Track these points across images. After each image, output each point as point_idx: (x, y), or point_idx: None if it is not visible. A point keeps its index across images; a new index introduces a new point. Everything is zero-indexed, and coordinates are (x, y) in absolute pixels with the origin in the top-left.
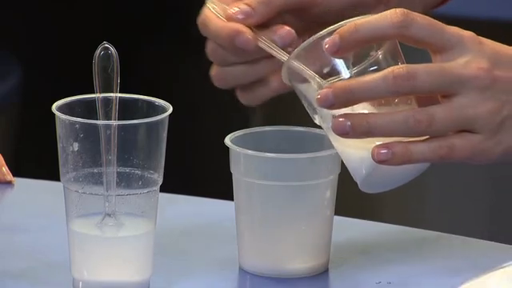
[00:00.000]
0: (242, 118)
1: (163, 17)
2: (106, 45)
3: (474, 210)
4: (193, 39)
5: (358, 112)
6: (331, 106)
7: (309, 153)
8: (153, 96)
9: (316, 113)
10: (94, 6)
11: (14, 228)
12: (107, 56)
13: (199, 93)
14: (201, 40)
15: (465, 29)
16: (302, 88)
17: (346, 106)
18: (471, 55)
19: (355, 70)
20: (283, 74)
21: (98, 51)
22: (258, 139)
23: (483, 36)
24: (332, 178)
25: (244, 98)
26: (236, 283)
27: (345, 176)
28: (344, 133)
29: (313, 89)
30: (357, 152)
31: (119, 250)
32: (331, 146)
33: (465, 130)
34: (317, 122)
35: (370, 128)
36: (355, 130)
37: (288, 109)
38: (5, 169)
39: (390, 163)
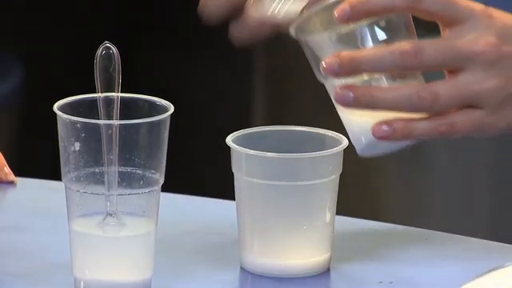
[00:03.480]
0: (243, 117)
1: (164, 16)
2: (108, 44)
3: (475, 209)
4: (194, 39)
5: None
6: (336, 75)
7: (310, 152)
8: (154, 96)
9: (323, 76)
10: (95, 6)
11: (15, 228)
12: (109, 55)
13: (200, 92)
14: (202, 40)
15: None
16: (313, 45)
17: (350, 76)
18: (480, 30)
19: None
20: (293, 27)
21: (99, 51)
22: (259, 139)
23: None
24: (333, 177)
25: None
26: (237, 283)
27: (346, 176)
28: (346, 103)
29: (324, 49)
30: (358, 121)
31: (121, 250)
32: (333, 146)
33: (468, 105)
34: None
35: (374, 101)
36: (358, 101)
37: (289, 109)
38: (6, 169)
39: (389, 139)
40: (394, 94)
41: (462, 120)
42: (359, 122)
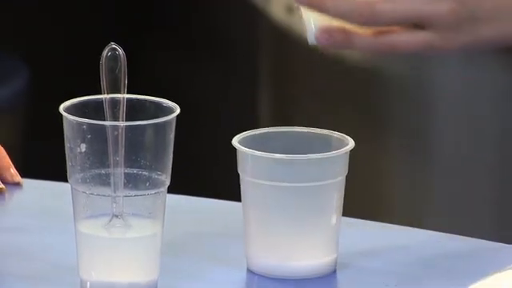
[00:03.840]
0: (249, 118)
1: (171, 18)
2: (114, 45)
3: (481, 211)
4: (200, 41)
5: None
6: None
7: (316, 154)
8: (160, 97)
9: None
10: (101, 8)
11: (21, 229)
12: (114, 57)
13: (207, 94)
14: (208, 42)
15: None
16: None
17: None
18: None
19: None
20: None
21: (105, 52)
22: (265, 140)
23: None
24: (340, 178)
25: None
26: (244, 284)
27: (352, 177)
28: (301, 2)
29: None
30: (311, 20)
31: (127, 251)
32: (339, 147)
33: (417, 25)
34: None
35: (323, 9)
36: (311, 3)
37: (295, 110)
38: (13, 170)
39: (330, 47)
40: (339, 6)
41: (405, 40)
42: (311, 21)
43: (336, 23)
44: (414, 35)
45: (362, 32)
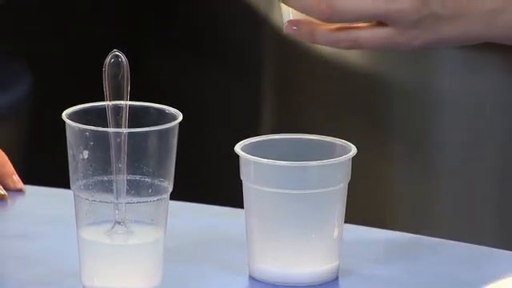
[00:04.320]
0: (251, 125)
1: (174, 24)
2: (117, 52)
3: (485, 218)
4: (203, 47)
5: None
6: None
7: (319, 161)
8: (163, 103)
9: None
10: (104, 14)
11: (24, 236)
12: (117, 63)
13: (210, 100)
14: (211, 48)
15: None
16: None
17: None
18: None
19: None
20: None
21: (108, 59)
22: (267, 147)
23: None
24: (342, 185)
25: None
26: None
27: (355, 184)
28: None
29: None
30: (289, 10)
31: (129, 258)
32: (341, 154)
33: (379, 21)
34: None
35: (289, 2)
36: None
37: (298, 117)
38: (15, 176)
39: (297, 38)
40: (301, 1)
41: (366, 36)
42: (286, 12)
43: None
44: (376, 31)
45: (325, 27)
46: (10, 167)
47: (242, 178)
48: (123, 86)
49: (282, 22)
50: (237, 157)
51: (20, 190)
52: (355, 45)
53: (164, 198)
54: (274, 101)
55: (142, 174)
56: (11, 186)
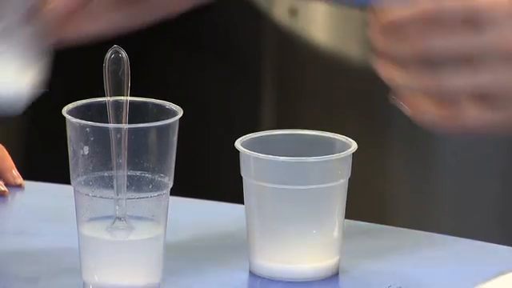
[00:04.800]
0: (252, 121)
1: (173, 20)
2: (117, 48)
3: (485, 213)
4: (203, 43)
5: None
6: None
7: (319, 156)
8: (163, 99)
9: None
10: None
11: (24, 231)
12: (118, 59)
13: (209, 96)
14: (211, 44)
15: None
16: None
17: None
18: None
19: None
20: None
21: (108, 54)
22: (268, 143)
23: None
24: (342, 181)
25: None
26: (246, 286)
27: (355, 180)
28: None
29: None
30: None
31: (129, 254)
32: (342, 150)
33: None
34: None
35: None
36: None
37: (298, 112)
38: (14, 171)
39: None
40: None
41: (474, 116)
42: None
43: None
44: (483, 111)
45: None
46: (9, 162)
47: (242, 174)
48: (123, 81)
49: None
50: (237, 152)
51: (19, 186)
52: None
53: (164, 194)
54: (274, 96)
55: (143, 169)
56: (11, 180)
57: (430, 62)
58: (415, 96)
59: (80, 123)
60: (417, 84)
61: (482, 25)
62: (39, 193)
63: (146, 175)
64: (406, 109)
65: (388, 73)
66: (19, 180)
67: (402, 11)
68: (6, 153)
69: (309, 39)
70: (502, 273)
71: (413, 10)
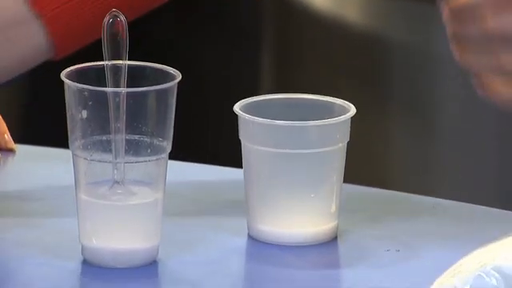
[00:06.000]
0: (251, 85)
1: None
2: (115, 12)
3: (485, 178)
4: (202, 9)
5: None
6: None
7: (318, 120)
8: (162, 63)
9: None
10: None
11: (20, 196)
12: (116, 23)
13: (208, 60)
14: (210, 10)
15: None
16: None
17: None
18: None
19: None
20: None
21: (106, 19)
22: (266, 107)
23: None
24: (341, 145)
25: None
26: (244, 251)
27: (354, 144)
28: None
29: None
30: None
31: (128, 218)
32: (341, 114)
33: None
34: None
35: None
36: None
37: (298, 76)
38: (7, 136)
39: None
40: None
41: None
42: None
43: None
44: None
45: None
46: (3, 126)
47: (240, 138)
48: (122, 45)
49: None
50: (236, 116)
51: (11, 150)
52: None
53: (163, 158)
54: (273, 61)
55: (141, 133)
56: (2, 145)
57: (503, 40)
58: (489, 76)
59: (78, 87)
60: (491, 64)
61: None
62: (37, 157)
63: (145, 139)
64: (481, 89)
65: (463, 56)
66: (11, 144)
67: None
68: (0, 117)
69: (308, 3)
70: (501, 237)
71: None
